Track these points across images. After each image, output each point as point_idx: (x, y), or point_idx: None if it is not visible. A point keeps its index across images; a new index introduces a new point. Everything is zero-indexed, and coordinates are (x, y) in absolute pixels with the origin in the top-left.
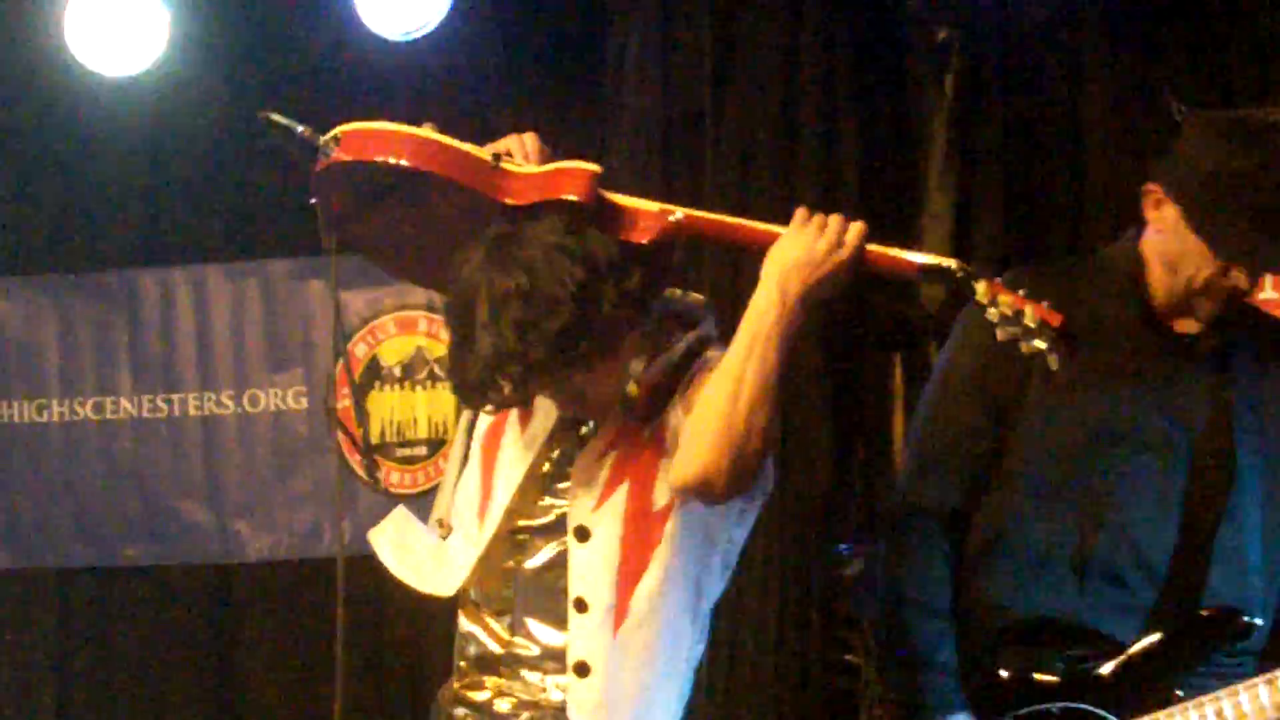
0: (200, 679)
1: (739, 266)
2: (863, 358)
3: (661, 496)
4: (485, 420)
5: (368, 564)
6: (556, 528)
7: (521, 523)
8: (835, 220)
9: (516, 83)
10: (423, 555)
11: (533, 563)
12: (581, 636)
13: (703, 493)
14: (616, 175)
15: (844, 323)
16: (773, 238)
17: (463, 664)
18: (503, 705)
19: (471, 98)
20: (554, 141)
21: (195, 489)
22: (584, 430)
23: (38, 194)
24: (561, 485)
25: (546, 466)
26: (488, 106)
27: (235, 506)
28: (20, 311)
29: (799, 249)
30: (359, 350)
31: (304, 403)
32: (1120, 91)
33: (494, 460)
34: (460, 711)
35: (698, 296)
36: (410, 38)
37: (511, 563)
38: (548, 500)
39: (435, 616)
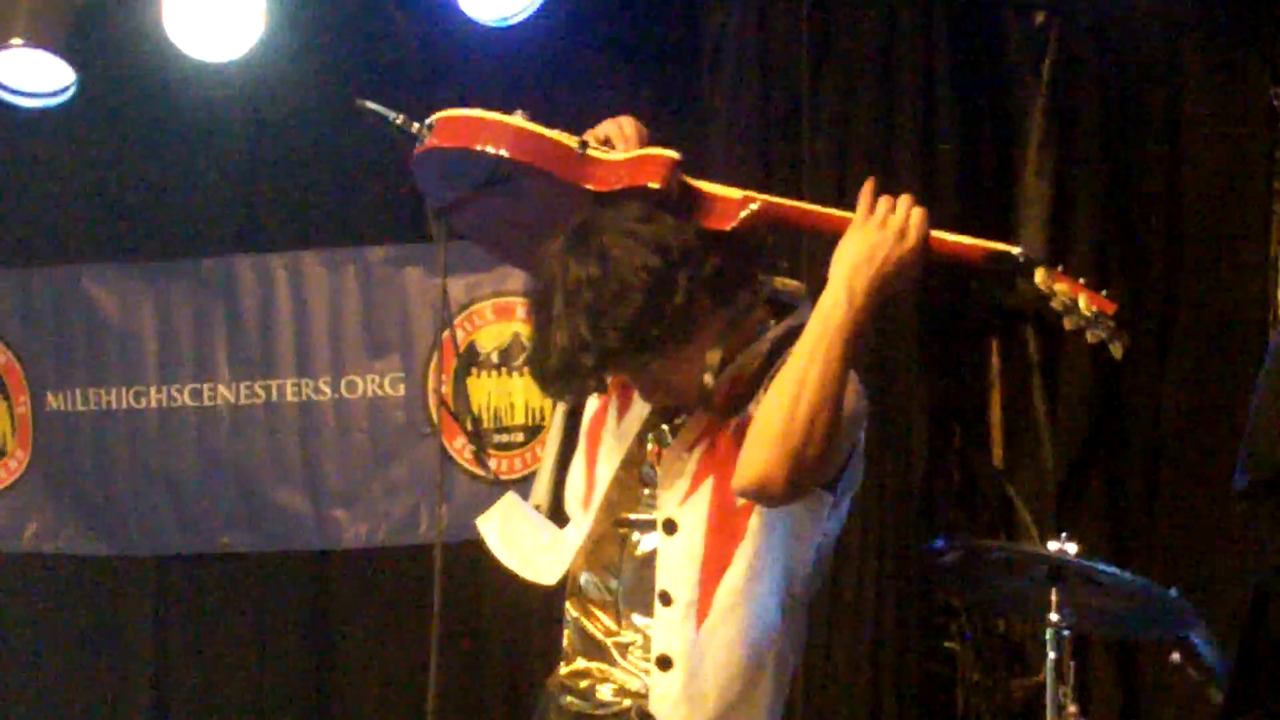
0: (297, 666)
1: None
2: (960, 344)
3: None
4: (591, 407)
5: (466, 551)
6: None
7: (623, 514)
8: (900, 208)
9: (612, 72)
10: (529, 543)
11: (635, 554)
12: (664, 630)
13: (760, 496)
14: (710, 163)
15: (941, 309)
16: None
17: (569, 651)
18: (605, 692)
19: (567, 86)
20: (651, 130)
21: (292, 476)
22: (678, 421)
23: (135, 181)
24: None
25: (644, 458)
26: (583, 95)
27: (332, 493)
28: (118, 298)
29: (864, 244)
30: (456, 336)
31: (401, 389)
32: (1219, 75)
33: (596, 449)
34: (567, 699)
35: (796, 284)
36: (506, 24)
37: (615, 553)
38: (647, 491)
39: (533, 603)
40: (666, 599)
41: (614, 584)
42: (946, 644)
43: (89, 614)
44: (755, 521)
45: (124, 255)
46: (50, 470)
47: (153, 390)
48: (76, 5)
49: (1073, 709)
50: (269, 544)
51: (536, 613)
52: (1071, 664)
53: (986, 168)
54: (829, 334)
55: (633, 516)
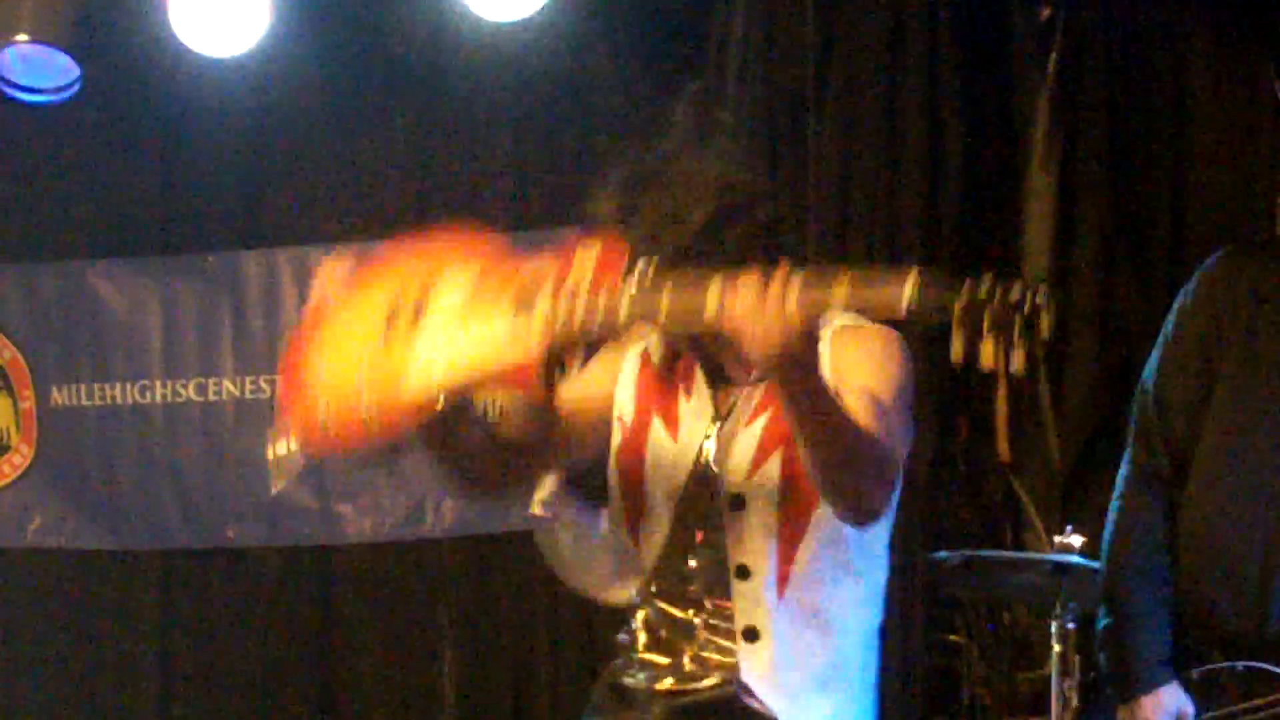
0: (302, 660)
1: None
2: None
3: None
4: (630, 370)
5: (474, 545)
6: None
7: (689, 511)
8: (774, 284)
9: (618, 69)
10: (596, 552)
11: (706, 540)
12: (747, 602)
13: (866, 522)
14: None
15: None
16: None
17: (644, 636)
18: (694, 666)
19: (572, 84)
20: (658, 119)
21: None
22: (731, 399)
23: (140, 176)
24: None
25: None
26: (589, 92)
27: (337, 488)
28: (124, 293)
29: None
30: None
31: None
32: (1224, 69)
33: (673, 409)
34: (631, 680)
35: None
36: (512, 22)
37: (689, 551)
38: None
39: (539, 598)
40: (744, 572)
41: (688, 573)
42: (951, 637)
43: (94, 609)
44: None
45: (129, 251)
46: (55, 465)
47: (158, 385)
48: (81, 1)
49: (1077, 703)
50: (274, 538)
51: (542, 605)
52: (1076, 658)
53: (992, 160)
54: (798, 401)
55: (698, 508)
